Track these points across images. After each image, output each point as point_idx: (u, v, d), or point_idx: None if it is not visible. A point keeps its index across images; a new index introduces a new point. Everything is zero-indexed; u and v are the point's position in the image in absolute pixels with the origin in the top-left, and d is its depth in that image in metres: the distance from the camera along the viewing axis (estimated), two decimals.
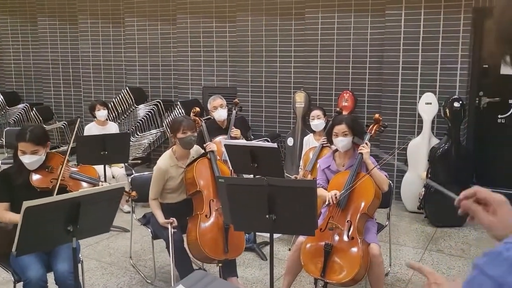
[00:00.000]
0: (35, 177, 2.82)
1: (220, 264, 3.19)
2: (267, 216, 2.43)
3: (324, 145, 4.04)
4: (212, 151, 3.42)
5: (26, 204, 2.10)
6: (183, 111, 6.07)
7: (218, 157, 3.60)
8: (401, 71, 5.17)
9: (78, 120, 3.14)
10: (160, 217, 3.23)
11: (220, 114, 4.59)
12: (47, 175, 2.85)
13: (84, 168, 3.14)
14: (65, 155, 2.90)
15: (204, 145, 3.52)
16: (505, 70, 5.00)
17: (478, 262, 0.63)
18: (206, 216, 3.18)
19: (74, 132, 3.01)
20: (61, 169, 2.78)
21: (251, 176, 3.70)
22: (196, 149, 3.46)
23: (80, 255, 2.92)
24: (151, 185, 3.32)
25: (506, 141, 5.10)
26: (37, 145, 2.77)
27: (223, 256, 3.12)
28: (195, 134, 3.35)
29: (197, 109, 3.87)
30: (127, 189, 3.18)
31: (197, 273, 1.45)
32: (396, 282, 3.54)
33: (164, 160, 3.32)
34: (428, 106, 4.92)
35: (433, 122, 4.98)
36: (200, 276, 1.25)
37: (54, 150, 3.27)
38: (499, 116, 5.13)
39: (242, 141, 4.35)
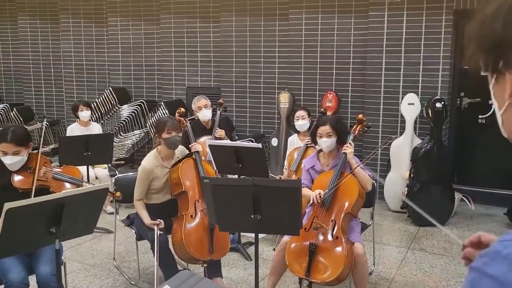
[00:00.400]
0: (16, 178, 2.78)
1: (205, 265, 3.18)
2: (252, 216, 2.43)
3: (308, 145, 4.06)
4: (197, 152, 3.41)
5: (7, 206, 2.07)
6: (167, 111, 6.03)
7: (203, 158, 3.59)
8: (384, 72, 5.23)
9: (44, 128, 3.09)
10: (146, 218, 3.21)
11: (205, 115, 4.58)
12: (29, 176, 2.80)
13: (68, 169, 3.10)
14: (46, 156, 2.86)
15: (190, 145, 3.50)
16: None
17: (475, 265, 0.62)
18: (191, 216, 3.17)
19: (42, 139, 2.93)
20: (36, 166, 2.72)
21: (236, 176, 3.70)
22: (181, 150, 3.45)
23: (62, 257, 2.88)
24: (136, 186, 3.30)
25: (486, 141, 5.19)
26: (19, 146, 2.73)
27: (208, 256, 3.12)
28: (180, 134, 3.34)
29: (182, 109, 3.86)
30: (111, 189, 3.15)
31: (183, 273, 1.44)
32: (379, 281, 3.57)
33: (149, 160, 3.31)
34: (410, 107, 4.98)
35: (415, 122, 5.05)
36: (186, 276, 1.25)
37: (35, 151, 3.21)
38: (480, 116, 5.22)
39: (227, 142, 4.34)
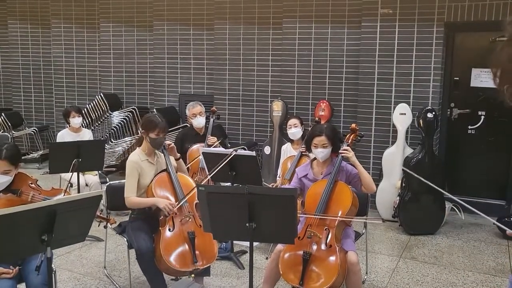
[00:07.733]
0: None
1: (192, 275, 3.11)
2: (247, 224, 2.42)
3: (303, 153, 4.06)
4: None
5: None
6: None
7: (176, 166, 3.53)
8: (376, 82, 5.27)
9: None
10: (153, 199, 3.15)
11: (199, 122, 4.57)
12: (13, 199, 2.69)
13: (57, 191, 3.03)
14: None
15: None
16: (475, 82, 5.17)
17: None
18: (169, 230, 3.12)
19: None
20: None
21: (229, 184, 3.68)
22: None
23: (53, 265, 2.82)
24: (126, 182, 3.23)
25: (475, 151, 5.25)
26: (11, 165, 2.66)
27: (193, 266, 3.03)
28: (166, 136, 3.36)
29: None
30: (104, 197, 3.10)
31: (182, 282, 1.42)
32: None
33: (135, 155, 3.31)
34: (402, 117, 5.02)
35: (407, 132, 5.08)
36: (186, 284, 1.23)
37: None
38: (469, 127, 5.28)
39: (220, 149, 4.33)
